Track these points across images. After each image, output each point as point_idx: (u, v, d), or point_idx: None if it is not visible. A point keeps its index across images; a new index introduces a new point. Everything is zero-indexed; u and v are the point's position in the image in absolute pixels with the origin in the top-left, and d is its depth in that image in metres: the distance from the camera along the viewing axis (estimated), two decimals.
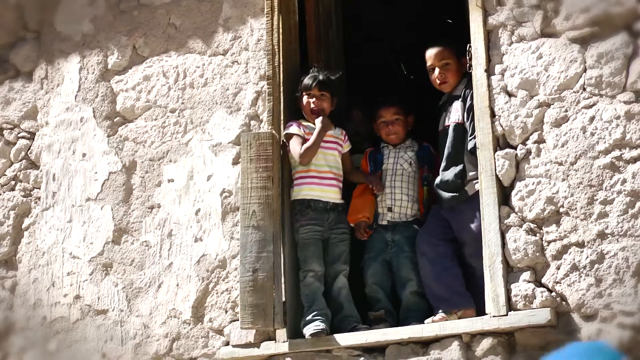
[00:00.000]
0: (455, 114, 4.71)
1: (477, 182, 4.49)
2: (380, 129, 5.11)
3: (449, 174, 4.65)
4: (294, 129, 4.87)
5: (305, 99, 4.97)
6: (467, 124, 4.62)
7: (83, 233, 5.30)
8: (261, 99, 5.00)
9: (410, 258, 4.83)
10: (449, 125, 4.72)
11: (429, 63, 4.86)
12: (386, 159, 5.04)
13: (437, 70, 4.80)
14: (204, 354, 4.82)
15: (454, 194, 4.63)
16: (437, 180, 4.74)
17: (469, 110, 4.59)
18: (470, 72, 4.51)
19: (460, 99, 4.71)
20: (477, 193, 4.48)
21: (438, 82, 4.82)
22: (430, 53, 4.85)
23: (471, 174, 4.57)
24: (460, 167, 4.62)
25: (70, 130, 5.51)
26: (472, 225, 4.52)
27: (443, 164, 4.71)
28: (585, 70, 4.22)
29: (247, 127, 5.00)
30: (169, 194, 5.15)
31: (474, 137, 4.50)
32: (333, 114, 5.04)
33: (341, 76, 5.18)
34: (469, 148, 4.57)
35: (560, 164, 4.20)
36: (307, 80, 4.97)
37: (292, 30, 5.15)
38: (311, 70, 5.02)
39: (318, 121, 4.88)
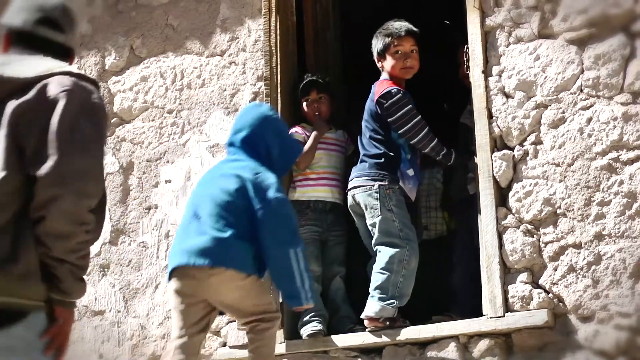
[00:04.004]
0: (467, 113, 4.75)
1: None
2: None
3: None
4: (297, 135, 4.87)
5: (304, 104, 4.98)
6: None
7: None
8: (258, 100, 4.99)
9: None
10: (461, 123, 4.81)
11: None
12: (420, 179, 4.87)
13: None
14: (201, 355, 4.81)
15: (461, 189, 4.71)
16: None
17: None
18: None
19: None
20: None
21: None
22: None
23: (471, 174, 4.59)
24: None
25: None
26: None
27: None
28: (582, 71, 4.21)
29: None
30: (166, 194, 5.14)
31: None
32: (334, 116, 5.04)
33: (339, 77, 5.18)
34: None
35: (558, 165, 4.20)
36: (304, 85, 4.97)
37: (290, 31, 5.15)
38: (305, 76, 5.02)
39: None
